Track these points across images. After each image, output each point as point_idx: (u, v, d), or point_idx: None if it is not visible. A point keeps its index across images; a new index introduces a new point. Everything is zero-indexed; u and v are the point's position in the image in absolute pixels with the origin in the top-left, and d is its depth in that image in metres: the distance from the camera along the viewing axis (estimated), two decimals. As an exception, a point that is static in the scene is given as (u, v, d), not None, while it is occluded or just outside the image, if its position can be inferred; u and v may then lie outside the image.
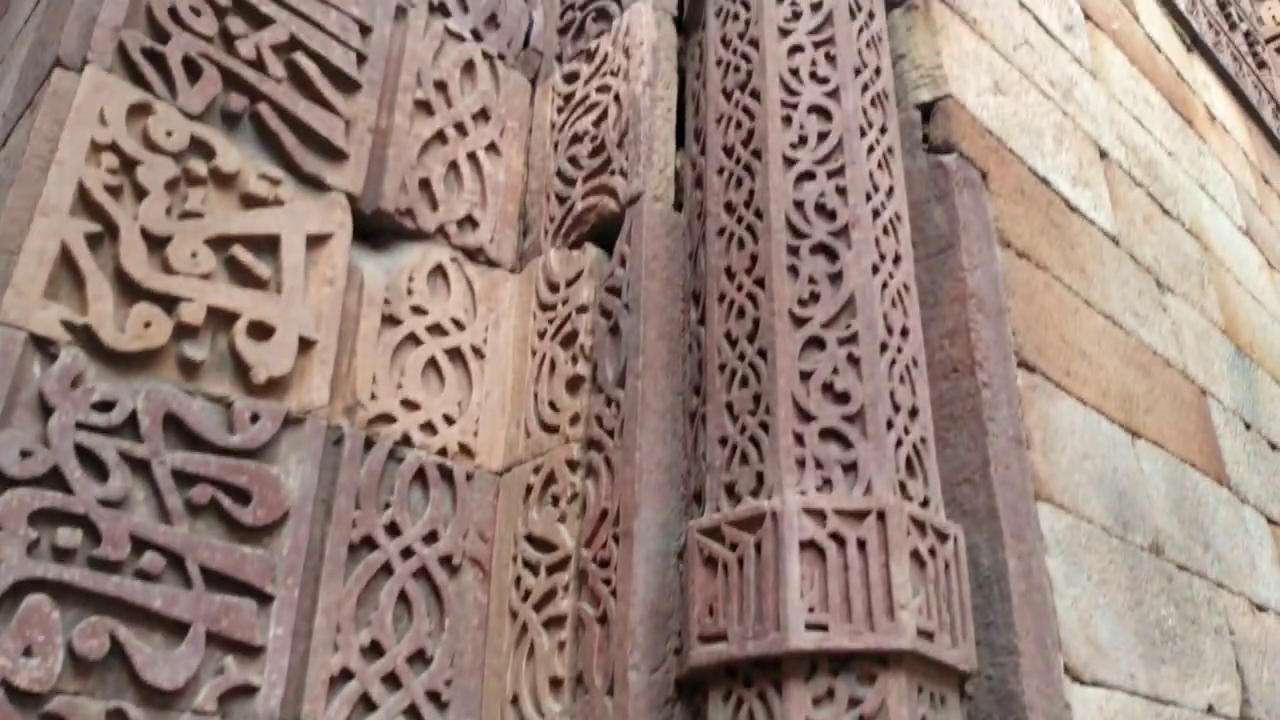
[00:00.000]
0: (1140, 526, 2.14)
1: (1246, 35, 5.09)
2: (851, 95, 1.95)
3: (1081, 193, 2.54)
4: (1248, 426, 2.87)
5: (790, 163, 1.89)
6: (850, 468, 1.59)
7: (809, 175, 1.87)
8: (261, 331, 1.79)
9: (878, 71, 2.05)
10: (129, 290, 1.67)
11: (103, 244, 1.67)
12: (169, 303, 1.70)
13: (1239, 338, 3.10)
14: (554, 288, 2.16)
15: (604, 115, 2.28)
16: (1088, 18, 3.11)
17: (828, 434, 1.62)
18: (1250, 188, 3.97)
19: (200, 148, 1.84)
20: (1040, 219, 2.30)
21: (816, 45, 2.00)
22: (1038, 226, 2.28)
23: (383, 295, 2.02)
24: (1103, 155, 2.77)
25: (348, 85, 2.12)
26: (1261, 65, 5.15)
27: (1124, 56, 3.26)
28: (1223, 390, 2.80)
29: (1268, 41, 5.44)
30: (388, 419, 1.92)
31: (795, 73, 1.98)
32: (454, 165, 2.27)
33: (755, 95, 1.99)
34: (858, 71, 1.99)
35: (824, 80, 1.97)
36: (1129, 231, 2.70)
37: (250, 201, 1.89)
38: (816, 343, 1.71)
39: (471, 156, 2.32)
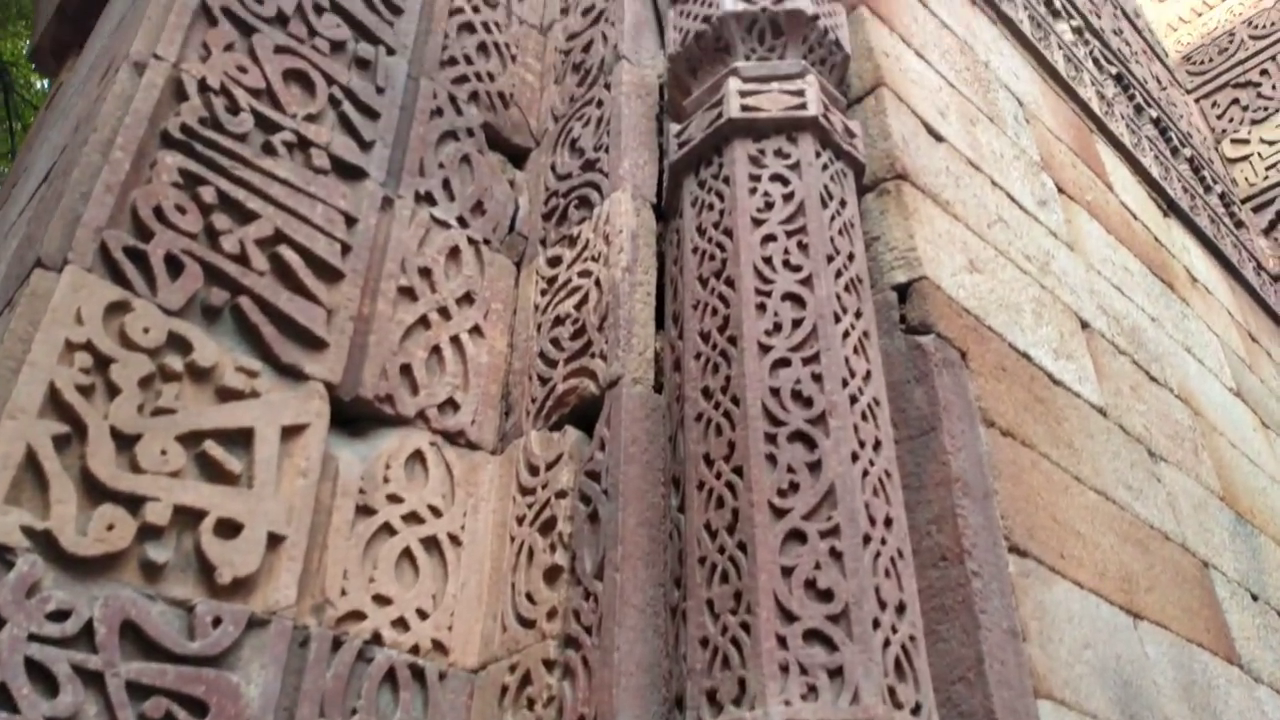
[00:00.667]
0: (1148, 718, 2.03)
1: (1222, 196, 5.23)
2: (825, 282, 1.97)
3: (1065, 365, 2.54)
4: (1255, 598, 2.78)
5: (765, 349, 1.89)
6: (836, 673, 1.52)
7: (784, 362, 1.87)
8: (229, 529, 1.75)
9: (851, 257, 2.08)
10: (94, 491, 1.64)
11: (70, 444, 1.64)
12: (134, 503, 1.66)
13: (1238, 504, 3.04)
14: (534, 471, 2.13)
15: (585, 299, 2.30)
16: (1061, 191, 3.19)
17: (811, 635, 1.56)
18: (1238, 347, 3.98)
19: (177, 343, 1.85)
20: (1023, 395, 2.29)
21: (789, 234, 2.04)
22: (1021, 403, 2.26)
23: (358, 484, 1.99)
24: (1084, 326, 2.78)
25: (331, 275, 2.15)
26: (1239, 225, 5.27)
27: (1100, 226, 3.33)
28: (1225, 561, 2.73)
29: (1244, 201, 5.59)
30: (358, 616, 1.86)
31: (769, 261, 2.00)
32: (436, 349, 2.28)
33: (730, 283, 2.01)
34: (830, 259, 2.02)
35: (797, 268, 1.99)
36: (1116, 402, 2.69)
37: (226, 395, 1.88)
38: (798, 536, 1.66)
39: (455, 340, 2.33)
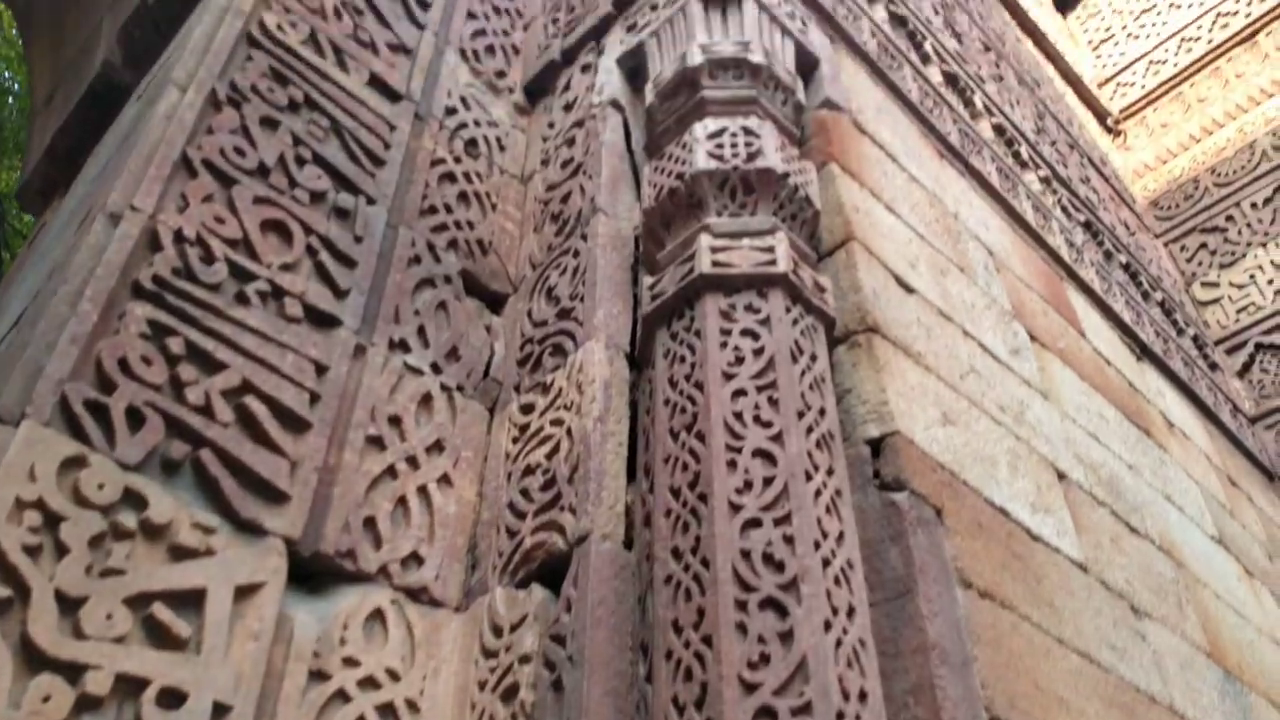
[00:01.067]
0: None
1: (1195, 339, 5.30)
2: (795, 439, 1.95)
3: (1043, 519, 2.51)
4: (1249, 763, 2.68)
5: (736, 509, 1.86)
6: None
7: (755, 523, 1.83)
8: (173, 699, 1.66)
9: (822, 412, 2.07)
10: (33, 659, 1.56)
11: (12, 608, 1.58)
12: (75, 671, 1.58)
13: (1226, 660, 2.97)
14: (498, 632, 2.06)
15: (556, 448, 2.27)
16: (1033, 339, 3.22)
17: (780, 823, 1.47)
18: (1218, 493, 3.96)
19: (133, 499, 1.80)
20: (1001, 553, 2.25)
21: (760, 389, 2.03)
22: (999, 561, 2.22)
23: (313, 647, 1.91)
24: (1061, 477, 2.76)
25: (298, 425, 2.12)
26: (1214, 367, 5.32)
27: (1074, 373, 3.35)
28: (1216, 724, 2.64)
29: (1217, 344, 5.67)
30: (305, 793, 1.76)
31: (739, 416, 1.99)
32: (403, 500, 2.23)
33: (700, 438, 1.99)
34: (801, 414, 2.01)
35: (768, 424, 1.97)
36: (1097, 556, 2.64)
37: (179, 553, 1.82)
38: (768, 713, 1.59)
39: (422, 490, 2.28)
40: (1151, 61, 7.10)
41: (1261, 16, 6.58)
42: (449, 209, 2.82)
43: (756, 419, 1.99)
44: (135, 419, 1.88)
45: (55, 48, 3.59)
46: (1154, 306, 4.91)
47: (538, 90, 3.33)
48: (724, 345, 2.12)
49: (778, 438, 1.96)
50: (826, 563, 1.81)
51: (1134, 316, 4.40)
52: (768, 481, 1.90)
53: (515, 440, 2.43)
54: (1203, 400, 4.59)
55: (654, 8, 3.03)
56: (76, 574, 1.67)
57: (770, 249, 2.25)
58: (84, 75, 3.30)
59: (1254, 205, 6.01)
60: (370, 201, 2.58)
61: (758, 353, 2.10)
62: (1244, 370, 5.52)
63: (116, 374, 1.89)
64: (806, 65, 2.97)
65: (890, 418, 2.20)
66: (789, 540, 1.81)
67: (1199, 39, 6.87)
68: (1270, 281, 5.73)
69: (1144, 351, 4.27)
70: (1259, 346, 5.58)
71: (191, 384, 1.99)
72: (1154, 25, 7.25)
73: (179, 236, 2.12)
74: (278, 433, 2.07)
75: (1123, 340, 4.13)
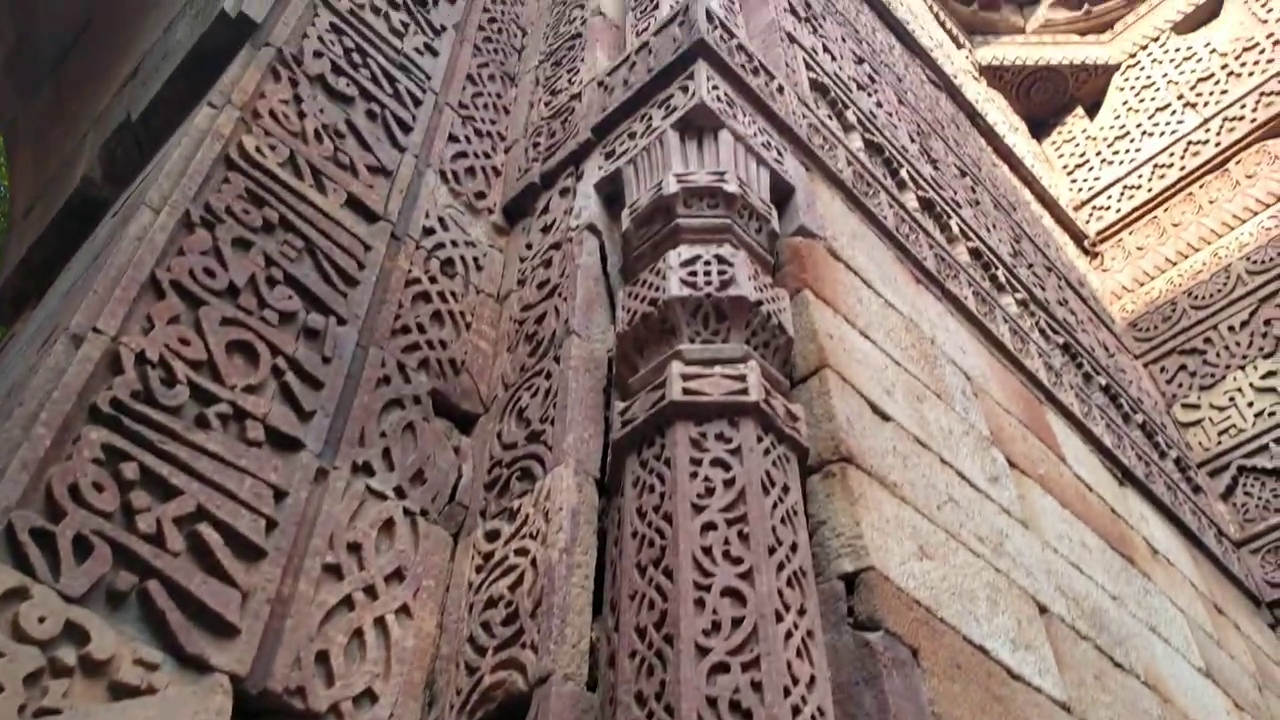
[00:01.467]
0: None
1: (1178, 462, 5.28)
2: (766, 577, 1.89)
3: (1023, 657, 2.43)
4: None
5: (703, 652, 1.79)
6: None
7: (723, 667, 1.76)
8: None
9: (794, 548, 2.02)
10: (-54, 812, 1.47)
11: (-71, 756, 1.49)
12: (-9, 826, 1.49)
13: (1220, 805, 2.85)
14: (453, 778, 1.96)
15: (520, 580, 2.20)
16: (1012, 465, 3.19)
17: None
18: (1204, 622, 3.88)
19: (74, 633, 1.72)
20: (980, 694, 2.17)
21: (730, 523, 1.98)
22: (978, 704, 2.14)
23: (253, 796, 1.81)
24: (1043, 611, 2.69)
25: (252, 554, 2.05)
26: (1197, 490, 5.29)
27: (1054, 501, 3.30)
28: None
29: (1199, 466, 5.64)
30: None
31: (708, 551, 1.94)
32: (359, 633, 2.14)
33: (668, 574, 1.93)
34: (772, 550, 1.96)
35: (738, 560, 1.92)
36: (1080, 694, 2.56)
37: (119, 691, 1.73)
38: None
39: (379, 622, 2.20)
40: (1126, 186, 7.27)
41: (1231, 145, 6.78)
42: (422, 329, 2.80)
43: (726, 555, 1.94)
44: (82, 548, 1.81)
45: (39, 160, 3.63)
46: (1135, 429, 4.90)
47: (516, 211, 3.37)
48: (694, 475, 2.08)
49: (747, 575, 1.90)
50: (796, 710, 1.73)
51: (1115, 440, 4.38)
52: (736, 623, 1.83)
53: (479, 569, 2.36)
54: (1187, 525, 4.54)
55: (632, 136, 3.08)
56: (8, 715, 1.58)
57: (742, 377, 2.23)
58: (64, 189, 3.32)
59: (1231, 328, 6.07)
60: (341, 322, 2.57)
61: (728, 484, 2.05)
62: (1227, 493, 5.49)
63: (66, 501, 1.83)
64: (781, 193, 3.01)
65: (865, 552, 2.14)
66: (757, 687, 1.73)
67: (1171, 165, 7.06)
68: (1250, 404, 5.75)
69: (1126, 476, 4.24)
70: (1241, 469, 5.56)
71: (143, 511, 1.93)
72: (1127, 151, 7.46)
73: (141, 359, 2.09)
74: (230, 562, 2.00)
75: (1104, 464, 4.10)
